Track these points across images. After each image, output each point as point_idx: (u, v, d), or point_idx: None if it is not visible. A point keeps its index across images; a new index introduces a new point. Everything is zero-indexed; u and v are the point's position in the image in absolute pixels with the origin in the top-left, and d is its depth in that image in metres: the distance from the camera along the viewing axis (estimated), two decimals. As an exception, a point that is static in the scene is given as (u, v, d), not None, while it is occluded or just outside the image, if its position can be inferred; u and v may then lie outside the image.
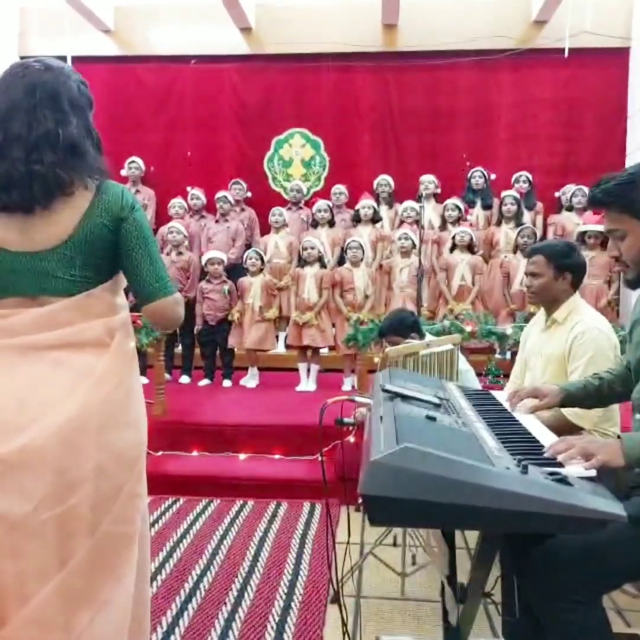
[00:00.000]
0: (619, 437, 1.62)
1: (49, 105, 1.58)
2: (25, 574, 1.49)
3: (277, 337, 6.20)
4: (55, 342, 1.56)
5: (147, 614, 1.79)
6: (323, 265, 5.90)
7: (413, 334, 3.43)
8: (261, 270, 5.90)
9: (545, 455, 1.50)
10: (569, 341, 2.53)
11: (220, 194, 6.89)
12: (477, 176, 6.89)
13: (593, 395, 2.06)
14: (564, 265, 2.62)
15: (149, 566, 1.79)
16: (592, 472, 1.39)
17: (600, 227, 5.73)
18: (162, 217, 7.04)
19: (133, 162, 7.23)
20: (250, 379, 5.85)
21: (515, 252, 6.05)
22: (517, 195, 6.56)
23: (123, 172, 7.16)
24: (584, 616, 1.61)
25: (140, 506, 1.65)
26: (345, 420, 2.04)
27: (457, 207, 6.54)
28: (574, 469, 1.41)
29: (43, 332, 1.56)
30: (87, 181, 1.61)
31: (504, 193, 6.60)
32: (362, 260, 5.88)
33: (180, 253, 6.01)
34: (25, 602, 1.49)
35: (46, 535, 1.49)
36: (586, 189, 6.44)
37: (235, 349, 5.92)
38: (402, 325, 3.47)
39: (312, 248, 5.80)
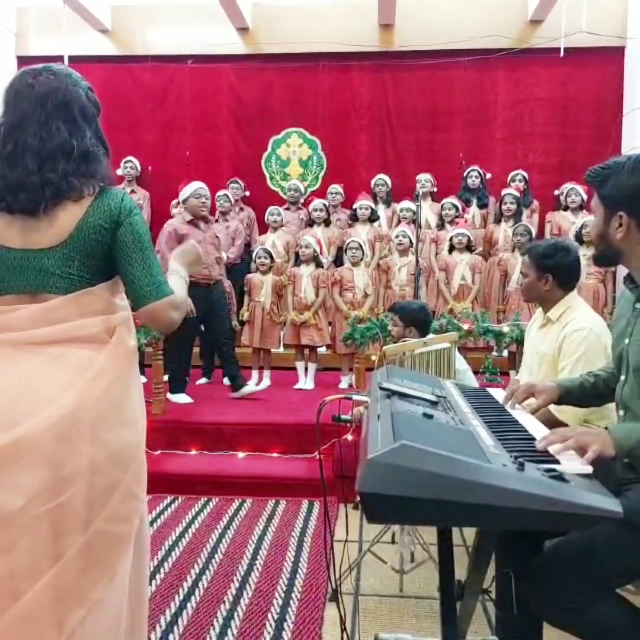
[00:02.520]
0: (606, 428, 1.64)
1: (61, 116, 1.62)
2: (17, 570, 1.50)
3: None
4: (52, 338, 1.57)
5: (145, 615, 1.78)
6: (318, 265, 5.91)
7: (411, 328, 3.46)
8: (270, 268, 5.89)
9: (538, 447, 1.51)
10: (560, 340, 2.55)
11: (220, 193, 6.90)
12: (473, 175, 6.92)
13: (589, 392, 2.07)
14: (544, 267, 2.64)
15: (147, 567, 1.78)
16: (589, 468, 1.39)
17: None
18: (158, 216, 7.04)
19: (129, 161, 7.26)
20: (266, 380, 5.85)
21: (513, 251, 6.08)
22: (517, 194, 6.58)
23: (119, 172, 7.17)
24: (589, 615, 1.61)
25: (138, 507, 1.65)
26: (343, 417, 2.06)
27: (455, 206, 6.57)
28: (571, 466, 1.42)
29: (40, 328, 1.58)
30: (94, 185, 1.64)
31: (504, 191, 6.63)
32: (361, 259, 5.90)
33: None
34: (18, 599, 1.49)
35: (39, 531, 1.50)
36: (580, 189, 6.47)
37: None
38: (410, 313, 3.55)
39: (307, 247, 5.81)
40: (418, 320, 3.55)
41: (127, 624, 1.65)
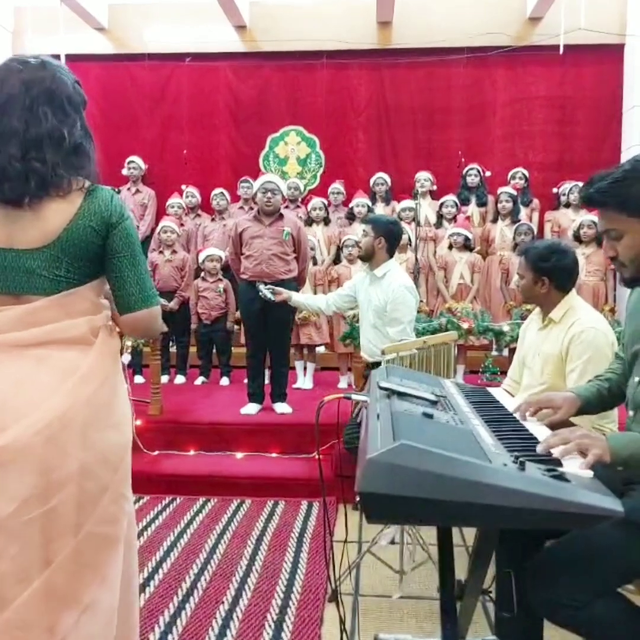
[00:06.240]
0: (604, 434, 1.62)
1: (47, 102, 1.57)
2: (7, 576, 1.48)
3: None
4: (38, 339, 1.55)
5: (136, 617, 1.77)
6: (314, 262, 5.90)
7: (381, 239, 3.55)
8: None
9: (539, 450, 1.50)
10: (566, 341, 2.52)
11: (216, 191, 6.89)
12: (472, 174, 6.91)
13: (607, 399, 2.01)
14: (541, 270, 2.62)
15: (136, 568, 1.77)
16: (589, 473, 1.39)
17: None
18: (162, 216, 7.03)
19: (132, 161, 7.24)
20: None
21: (514, 250, 6.07)
22: (514, 192, 6.57)
23: (124, 172, 7.18)
24: (590, 613, 1.61)
25: (125, 507, 1.63)
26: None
27: (455, 203, 6.57)
28: (572, 466, 1.41)
29: (26, 329, 1.55)
30: (82, 182, 1.60)
31: (500, 190, 6.62)
32: (358, 257, 5.89)
33: (174, 251, 6.00)
34: (7, 605, 1.48)
35: (29, 536, 1.48)
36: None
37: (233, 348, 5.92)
38: (383, 224, 3.63)
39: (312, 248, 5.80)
40: (390, 232, 3.58)
41: (119, 624, 1.64)
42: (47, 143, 1.55)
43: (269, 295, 3.98)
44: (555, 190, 6.97)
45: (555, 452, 1.48)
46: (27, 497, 1.47)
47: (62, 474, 1.50)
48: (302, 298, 4.06)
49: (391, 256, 3.62)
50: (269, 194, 4.61)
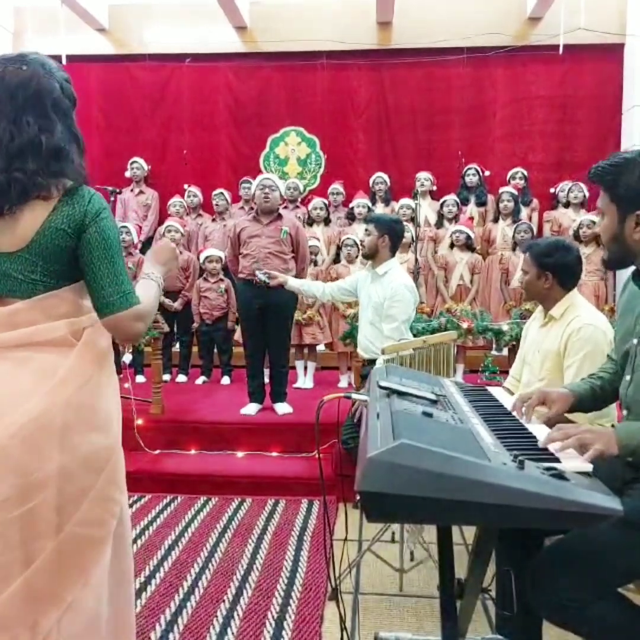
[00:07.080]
0: (613, 426, 1.63)
1: (32, 110, 1.55)
2: None
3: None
4: (16, 342, 1.54)
5: (132, 615, 1.77)
6: (314, 262, 5.91)
7: (384, 237, 3.61)
8: None
9: (540, 443, 1.50)
10: (565, 337, 2.54)
11: (216, 191, 6.89)
12: (470, 173, 6.91)
13: (599, 396, 2.02)
14: (544, 265, 2.65)
15: (131, 569, 1.76)
16: (589, 467, 1.39)
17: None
18: (164, 216, 7.03)
19: (135, 162, 7.25)
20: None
21: (514, 250, 6.07)
22: (515, 192, 6.57)
23: (127, 174, 7.19)
24: (589, 613, 1.61)
25: (114, 510, 1.62)
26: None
27: (456, 203, 6.58)
28: (571, 464, 1.41)
29: (3, 332, 1.54)
30: (65, 184, 1.58)
31: (501, 189, 6.62)
32: (357, 257, 5.90)
33: (179, 252, 6.00)
34: None
35: (9, 536, 1.49)
36: (583, 185, 6.47)
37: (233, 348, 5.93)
38: (386, 222, 3.70)
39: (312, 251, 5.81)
40: (393, 230, 3.63)
41: (112, 625, 1.64)
42: (28, 151, 1.54)
43: (265, 279, 4.01)
44: (552, 190, 6.98)
45: (555, 446, 1.49)
46: (6, 498, 1.47)
47: (40, 476, 1.49)
48: (298, 283, 4.04)
49: (393, 254, 3.65)
50: (267, 191, 4.61)
